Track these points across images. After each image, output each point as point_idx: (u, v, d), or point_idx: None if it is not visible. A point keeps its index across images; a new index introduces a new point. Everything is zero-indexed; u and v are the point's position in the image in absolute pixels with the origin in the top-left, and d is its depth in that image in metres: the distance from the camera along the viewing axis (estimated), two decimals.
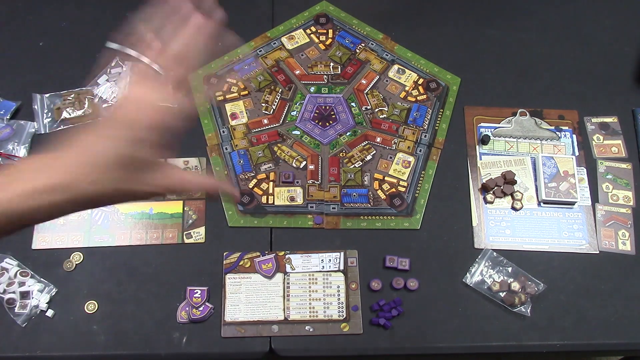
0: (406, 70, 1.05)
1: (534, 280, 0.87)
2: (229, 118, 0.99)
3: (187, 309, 0.83)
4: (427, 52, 1.07)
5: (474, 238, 0.90)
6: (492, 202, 0.93)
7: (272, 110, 1.00)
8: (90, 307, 0.84)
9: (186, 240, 0.89)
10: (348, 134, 0.98)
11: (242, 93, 1.01)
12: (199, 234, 0.89)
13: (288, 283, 0.86)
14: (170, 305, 0.84)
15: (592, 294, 0.87)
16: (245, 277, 0.86)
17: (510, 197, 0.93)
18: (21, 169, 0.48)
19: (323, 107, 1.01)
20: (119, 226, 0.89)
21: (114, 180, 0.46)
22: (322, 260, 0.88)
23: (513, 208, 0.93)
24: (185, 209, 0.91)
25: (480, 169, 0.96)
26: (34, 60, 1.04)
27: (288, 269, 0.87)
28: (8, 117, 0.97)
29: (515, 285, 0.86)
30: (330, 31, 1.09)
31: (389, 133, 0.99)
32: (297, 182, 0.94)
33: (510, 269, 0.88)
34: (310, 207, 0.92)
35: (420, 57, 1.06)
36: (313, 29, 1.09)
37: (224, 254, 0.88)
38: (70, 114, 0.97)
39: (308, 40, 1.08)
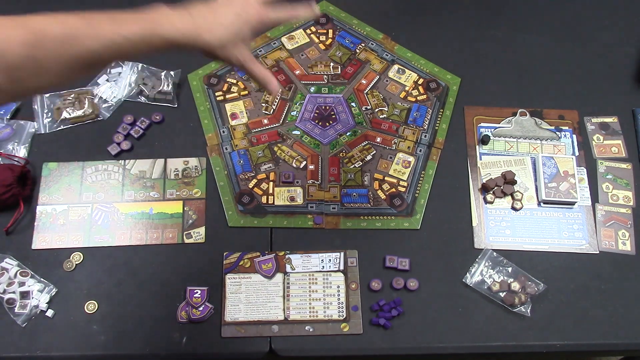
0: (406, 70, 1.05)
1: (534, 280, 0.87)
2: (229, 118, 0.99)
3: (187, 309, 0.83)
4: (427, 52, 1.07)
5: (474, 238, 0.90)
6: (492, 202, 0.93)
7: (272, 110, 1.00)
8: (90, 307, 0.84)
9: (186, 240, 0.89)
10: (348, 134, 0.99)
11: (242, 93, 1.01)
12: (199, 234, 0.89)
13: (288, 283, 0.86)
14: (170, 305, 0.84)
15: (592, 294, 0.87)
16: (245, 277, 0.86)
17: (510, 197, 0.93)
18: (160, 11, 0.62)
19: (323, 107, 1.01)
20: (119, 226, 0.89)
21: (224, 37, 0.63)
22: (322, 260, 0.88)
23: (513, 208, 0.93)
24: (185, 209, 0.91)
25: (480, 169, 0.96)
26: None
27: (288, 269, 0.87)
28: (8, 117, 0.97)
29: (515, 285, 0.86)
30: (330, 31, 1.09)
31: (389, 133, 0.99)
32: (297, 182, 0.94)
33: (510, 269, 0.88)
34: (310, 207, 0.92)
35: (420, 57, 1.06)
36: (313, 29, 1.09)
37: (224, 254, 0.88)
38: (70, 114, 0.97)
39: (308, 40, 1.08)
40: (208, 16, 0.63)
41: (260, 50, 1.06)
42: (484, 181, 0.94)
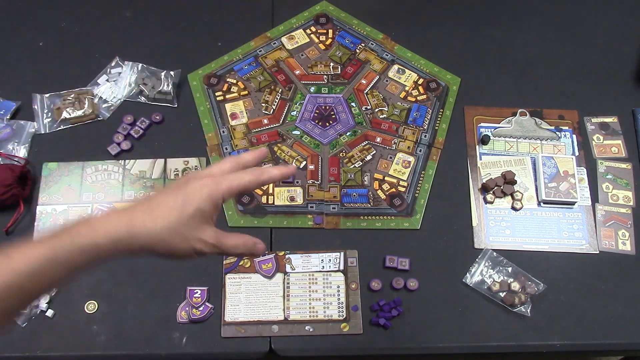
0: (406, 70, 1.05)
1: (534, 280, 0.87)
2: (229, 118, 0.99)
3: (187, 309, 0.83)
4: (427, 52, 1.07)
5: (474, 238, 0.90)
6: (492, 202, 0.93)
7: (272, 110, 1.00)
8: (90, 307, 0.84)
9: None
10: (348, 134, 0.99)
11: (242, 93, 1.01)
12: None
13: (288, 283, 0.86)
14: (170, 305, 0.84)
15: (592, 294, 0.87)
16: (245, 277, 0.86)
17: (510, 197, 0.93)
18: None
19: (323, 107, 1.01)
20: None
21: (165, 229, 0.50)
22: (322, 260, 0.88)
23: (513, 208, 0.93)
24: None
25: (480, 169, 0.96)
26: (34, 60, 1.04)
27: (288, 269, 0.87)
28: (8, 117, 0.97)
29: (515, 285, 0.86)
30: (330, 31, 1.09)
31: (389, 133, 0.99)
32: (297, 182, 0.94)
33: (510, 269, 0.88)
34: (310, 207, 0.92)
35: (420, 57, 1.06)
36: (313, 29, 1.09)
37: None
38: (70, 114, 0.97)
39: (308, 40, 1.08)
40: (146, 209, 0.51)
41: (260, 50, 1.06)
42: (484, 181, 0.94)
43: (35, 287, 0.48)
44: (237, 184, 0.54)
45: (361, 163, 0.96)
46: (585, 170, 0.96)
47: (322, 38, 1.08)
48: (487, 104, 1.02)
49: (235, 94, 1.01)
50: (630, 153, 0.98)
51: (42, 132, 0.96)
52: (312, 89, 1.02)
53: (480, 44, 1.09)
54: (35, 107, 0.98)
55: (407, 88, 1.03)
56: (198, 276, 0.86)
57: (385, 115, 1.00)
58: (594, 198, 0.94)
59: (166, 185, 0.57)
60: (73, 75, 1.02)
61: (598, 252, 0.90)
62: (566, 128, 1.00)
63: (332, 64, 1.05)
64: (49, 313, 0.83)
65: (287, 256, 0.88)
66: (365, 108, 1.01)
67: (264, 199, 0.92)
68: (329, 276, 0.87)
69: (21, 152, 0.94)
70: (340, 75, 1.04)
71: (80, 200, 0.91)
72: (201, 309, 0.83)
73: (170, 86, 1.00)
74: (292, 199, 0.92)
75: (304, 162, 0.96)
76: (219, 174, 0.54)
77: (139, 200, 0.53)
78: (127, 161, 0.95)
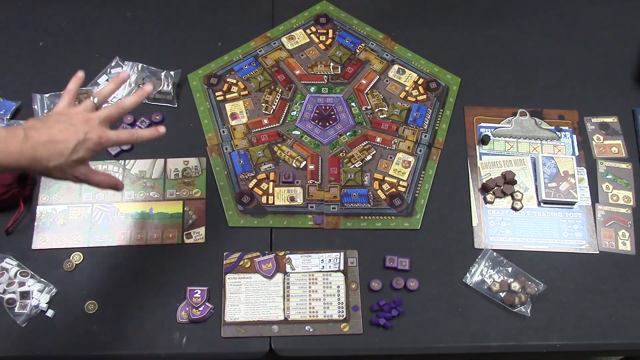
0: (406, 70, 1.05)
1: (534, 280, 0.87)
2: (229, 118, 0.99)
3: (187, 309, 0.83)
4: (427, 52, 1.07)
5: (474, 238, 0.90)
6: (492, 202, 0.93)
7: (272, 110, 1.00)
8: (90, 307, 0.84)
9: (186, 241, 0.89)
10: (348, 134, 0.99)
11: (242, 93, 1.01)
12: (199, 234, 0.89)
13: (288, 283, 0.86)
14: (170, 305, 0.84)
15: (592, 294, 0.87)
16: (245, 277, 0.86)
17: (510, 197, 0.93)
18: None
19: (323, 107, 1.01)
20: (119, 226, 0.89)
21: (62, 163, 0.64)
22: (322, 260, 0.88)
23: (513, 208, 0.93)
24: (185, 209, 0.91)
25: (480, 169, 0.96)
26: (34, 60, 1.04)
27: (288, 269, 0.87)
28: (8, 117, 0.97)
29: (515, 285, 0.86)
30: (330, 31, 1.09)
31: (389, 133, 0.99)
32: (297, 182, 0.94)
33: (510, 269, 0.88)
34: (310, 207, 0.92)
35: (420, 57, 1.07)
36: (313, 29, 1.09)
37: (224, 254, 0.88)
38: None
39: (308, 40, 1.08)
40: (48, 145, 0.63)
41: (260, 50, 1.06)
42: (484, 181, 0.94)
43: None
44: (116, 141, 0.69)
45: (361, 163, 0.96)
46: (585, 170, 0.96)
47: (322, 38, 1.08)
48: (487, 104, 1.02)
49: (235, 94, 1.01)
50: (630, 153, 0.98)
51: None
52: (312, 89, 1.02)
53: (480, 44, 1.09)
54: (35, 107, 0.98)
55: (407, 88, 1.03)
56: (198, 276, 0.86)
57: (385, 115, 1.00)
58: (594, 198, 0.94)
59: (54, 114, 0.68)
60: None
61: (598, 252, 0.90)
62: (566, 128, 1.00)
63: (332, 64, 1.05)
64: (49, 313, 0.83)
65: (287, 256, 0.88)
66: (365, 108, 1.01)
67: (264, 199, 0.92)
68: (329, 276, 0.87)
69: None
70: (340, 75, 1.04)
71: (80, 200, 0.91)
72: (201, 309, 0.83)
73: (170, 86, 1.00)
74: (292, 199, 0.92)
75: (304, 162, 0.96)
76: (103, 124, 0.67)
77: (36, 129, 0.63)
78: (127, 161, 0.95)
